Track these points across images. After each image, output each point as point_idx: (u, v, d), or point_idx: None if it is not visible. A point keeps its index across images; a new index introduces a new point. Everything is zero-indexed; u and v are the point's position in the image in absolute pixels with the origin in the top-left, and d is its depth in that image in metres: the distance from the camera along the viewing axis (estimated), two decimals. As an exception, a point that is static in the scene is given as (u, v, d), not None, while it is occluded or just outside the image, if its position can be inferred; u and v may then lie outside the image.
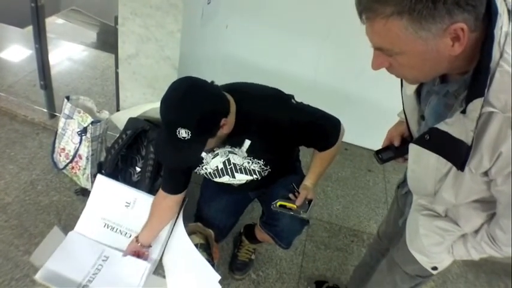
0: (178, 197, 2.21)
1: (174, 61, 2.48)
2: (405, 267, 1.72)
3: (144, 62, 2.54)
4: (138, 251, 2.28)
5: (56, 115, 3.26)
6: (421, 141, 1.22)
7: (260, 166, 2.01)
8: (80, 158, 2.65)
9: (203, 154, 2.00)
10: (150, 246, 2.32)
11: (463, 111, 1.03)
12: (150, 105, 2.56)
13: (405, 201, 1.74)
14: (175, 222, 2.33)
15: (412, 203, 1.56)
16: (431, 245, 1.51)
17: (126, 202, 2.43)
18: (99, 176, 2.49)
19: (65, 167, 2.75)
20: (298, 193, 2.00)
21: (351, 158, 3.75)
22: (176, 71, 2.51)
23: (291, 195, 2.02)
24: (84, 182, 2.72)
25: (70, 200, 2.70)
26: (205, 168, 2.08)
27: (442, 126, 1.12)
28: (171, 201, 2.21)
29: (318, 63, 3.54)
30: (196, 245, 2.17)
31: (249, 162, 1.99)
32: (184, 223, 2.26)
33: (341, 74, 3.54)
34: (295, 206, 1.96)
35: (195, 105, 1.63)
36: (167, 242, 2.36)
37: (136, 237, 2.28)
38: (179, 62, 2.49)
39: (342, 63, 3.47)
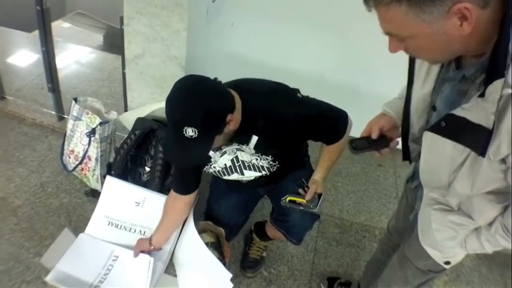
0: (190, 197, 2.19)
1: (180, 60, 2.48)
2: (417, 263, 1.70)
3: (151, 61, 2.54)
4: (148, 251, 2.28)
5: (64, 117, 3.28)
6: (437, 129, 1.20)
7: (268, 162, 1.99)
8: (89, 159, 2.66)
9: (211, 153, 1.99)
10: (160, 249, 2.31)
11: (482, 95, 1.01)
12: (157, 105, 2.55)
13: (415, 196, 1.72)
14: (185, 220, 2.32)
15: (423, 197, 1.53)
16: (444, 240, 1.48)
17: (136, 202, 2.43)
18: (108, 177, 2.49)
19: (74, 169, 2.75)
20: (308, 188, 1.99)
21: (360, 154, 3.72)
22: (183, 69, 2.51)
23: (300, 190, 2.00)
24: (94, 183, 2.73)
25: (80, 202, 2.71)
26: (214, 167, 2.08)
27: (458, 112, 1.10)
28: (182, 201, 2.19)
29: (325, 58, 3.52)
30: (207, 244, 2.16)
31: (257, 159, 1.98)
32: (194, 221, 2.25)
33: (348, 68, 3.52)
34: (305, 201, 1.94)
35: (200, 103, 1.62)
36: (177, 240, 2.35)
37: (150, 238, 2.27)
38: (186, 61, 2.48)
39: (350, 58, 3.46)
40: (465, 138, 1.12)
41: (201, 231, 2.22)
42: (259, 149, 1.93)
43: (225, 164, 2.04)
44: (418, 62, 1.34)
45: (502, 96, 0.97)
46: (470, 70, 1.13)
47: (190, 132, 1.60)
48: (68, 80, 3.91)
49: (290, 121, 1.83)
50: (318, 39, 3.42)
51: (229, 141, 1.93)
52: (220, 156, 2.01)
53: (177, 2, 2.26)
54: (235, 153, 1.98)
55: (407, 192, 1.87)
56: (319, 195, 1.96)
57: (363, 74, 3.47)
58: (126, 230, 2.40)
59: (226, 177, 2.12)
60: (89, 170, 2.70)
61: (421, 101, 1.39)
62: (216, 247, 2.22)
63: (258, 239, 2.56)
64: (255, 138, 1.89)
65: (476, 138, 1.07)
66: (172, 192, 2.19)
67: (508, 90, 0.96)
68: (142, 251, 2.26)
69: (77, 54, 4.50)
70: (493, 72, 0.99)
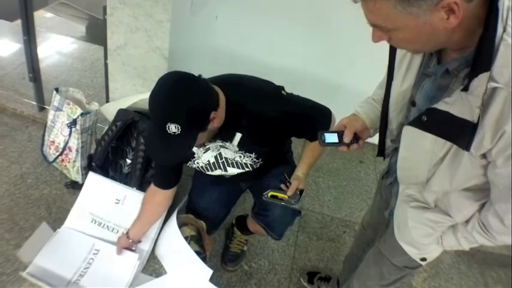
0: (170, 192, 2.18)
1: (163, 51, 2.46)
2: (393, 259, 1.70)
3: (134, 52, 2.52)
4: (129, 247, 2.25)
5: (45, 108, 3.24)
6: (418, 123, 1.20)
7: (252, 159, 2.00)
8: (70, 151, 2.63)
9: (194, 149, 1.99)
10: (139, 241, 2.28)
11: (465, 89, 1.01)
12: (140, 96, 2.53)
13: (390, 192, 1.71)
14: (167, 214, 2.31)
15: (399, 194, 1.53)
16: (421, 237, 1.49)
17: (117, 199, 2.41)
18: (90, 173, 2.47)
19: (54, 160, 2.72)
20: (290, 183, 1.99)
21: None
22: (166, 61, 2.50)
23: (282, 186, 2.01)
24: (74, 175, 2.70)
25: (60, 193, 2.68)
26: (197, 163, 2.07)
27: (441, 106, 1.10)
28: (162, 195, 2.18)
29: (308, 53, 3.53)
30: (187, 237, 2.15)
31: (240, 156, 1.98)
32: (176, 215, 2.24)
33: (331, 64, 3.53)
34: (286, 197, 1.94)
35: (183, 99, 1.61)
36: (158, 235, 2.33)
37: (127, 232, 2.24)
38: (169, 52, 2.47)
39: (332, 53, 3.47)
40: (448, 133, 1.12)
41: (182, 225, 2.20)
42: (242, 146, 1.93)
43: (209, 160, 2.03)
44: (398, 57, 1.34)
45: (487, 90, 0.97)
46: (454, 64, 1.13)
47: (173, 128, 1.59)
48: (49, 70, 3.87)
49: (274, 119, 1.84)
50: (302, 33, 3.43)
51: (213, 138, 1.93)
52: (204, 153, 2.00)
53: (161, -8, 2.24)
54: (218, 150, 1.97)
55: (381, 188, 1.88)
56: (301, 191, 1.97)
57: (346, 70, 3.50)
58: (104, 227, 2.36)
59: (210, 173, 2.12)
60: (69, 161, 2.67)
61: (401, 96, 1.37)
62: (197, 240, 2.21)
63: (239, 232, 2.56)
64: (238, 136, 1.89)
65: (459, 132, 1.07)
66: (152, 185, 2.17)
67: (493, 84, 0.96)
68: (126, 248, 2.23)
69: (58, 44, 4.46)
70: (478, 65, 0.99)
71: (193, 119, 1.63)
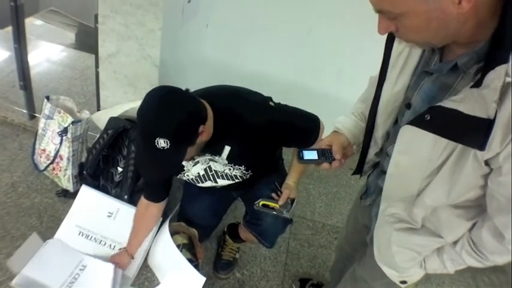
0: (161, 204, 2.23)
1: (155, 59, 2.47)
2: (372, 282, 1.65)
3: (125, 60, 2.52)
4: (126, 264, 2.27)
5: (35, 116, 3.22)
6: (420, 122, 1.09)
7: (241, 171, 2.00)
8: (61, 159, 2.62)
9: (183, 162, 1.99)
10: (133, 257, 2.30)
11: (477, 84, 0.94)
12: (131, 104, 2.53)
13: (369, 215, 1.61)
14: (160, 224, 2.32)
15: (380, 213, 1.42)
16: (404, 261, 1.43)
17: (109, 212, 2.42)
18: (83, 186, 2.47)
19: (45, 168, 2.71)
20: (281, 192, 2.00)
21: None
22: (157, 69, 2.50)
23: (273, 195, 2.02)
24: (65, 183, 2.69)
25: (51, 202, 2.67)
26: (187, 175, 2.08)
27: (447, 103, 1.01)
28: (154, 209, 2.22)
29: (297, 63, 3.53)
30: (179, 245, 2.16)
31: (230, 169, 1.99)
32: (168, 224, 2.25)
33: (321, 74, 3.54)
34: (277, 206, 1.96)
35: (171, 114, 1.61)
36: (151, 244, 2.33)
37: (126, 250, 2.26)
38: (160, 61, 2.47)
39: (322, 63, 3.47)
40: (455, 133, 1.02)
41: (174, 233, 2.21)
42: (232, 159, 1.94)
43: (198, 173, 2.04)
44: (393, 56, 1.27)
45: (503, 86, 0.89)
46: (463, 59, 1.04)
47: (162, 143, 1.59)
48: (40, 77, 3.85)
49: (262, 129, 1.84)
50: (292, 43, 3.43)
51: (202, 152, 1.93)
52: (193, 166, 2.01)
53: (153, 1, 2.25)
54: (208, 163, 1.98)
55: (358, 210, 1.79)
56: (292, 200, 1.98)
57: (335, 80, 3.51)
58: (96, 241, 2.36)
59: (200, 185, 2.12)
60: (60, 170, 2.66)
61: (393, 99, 1.30)
62: (189, 248, 2.22)
63: (231, 240, 2.55)
64: (227, 149, 1.90)
65: (469, 132, 0.98)
66: (143, 199, 2.20)
67: (508, 79, 0.89)
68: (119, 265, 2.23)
69: (48, 52, 4.43)
70: (494, 57, 0.92)
71: (182, 134, 1.64)
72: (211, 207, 2.33)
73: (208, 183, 2.09)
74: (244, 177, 2.04)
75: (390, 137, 1.39)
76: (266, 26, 3.38)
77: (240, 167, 1.98)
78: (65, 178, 2.67)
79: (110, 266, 2.17)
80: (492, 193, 1.06)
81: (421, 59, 1.22)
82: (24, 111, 3.25)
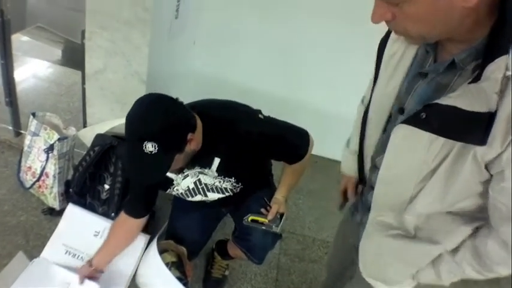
0: (140, 222, 2.16)
1: (142, 76, 2.45)
2: None
3: (112, 77, 2.50)
4: (90, 275, 2.15)
5: (21, 133, 3.19)
6: (415, 121, 1.03)
7: (232, 184, 1.98)
8: (47, 177, 2.59)
9: (173, 176, 1.97)
10: (102, 271, 2.19)
11: (475, 80, 0.91)
12: (118, 121, 2.51)
13: (357, 235, 1.48)
14: (148, 242, 2.29)
15: (368, 223, 1.34)
16: (395, 274, 1.35)
17: (96, 231, 2.39)
18: (70, 205, 2.45)
19: (31, 186, 2.68)
20: (270, 207, 1.98)
21: (321, 171, 3.74)
22: (144, 85, 2.49)
23: (262, 210, 2.01)
24: (51, 201, 2.66)
25: (37, 220, 2.63)
26: (177, 190, 2.05)
27: (444, 100, 0.96)
28: (132, 225, 2.15)
29: (285, 78, 3.54)
30: (168, 264, 2.13)
31: (220, 182, 1.97)
32: (156, 241, 2.21)
33: (309, 88, 3.55)
34: (266, 221, 1.94)
35: (159, 118, 1.60)
36: (139, 263, 2.29)
37: (90, 260, 2.15)
38: (147, 77, 2.46)
39: (310, 77, 3.49)
40: (453, 130, 0.97)
41: (162, 251, 2.18)
42: (221, 171, 1.92)
43: (188, 187, 2.02)
44: (385, 60, 1.25)
45: (503, 78, 0.87)
46: (461, 55, 1.00)
47: (150, 147, 1.57)
48: (26, 94, 3.82)
49: (252, 142, 1.83)
50: (279, 58, 3.45)
51: (191, 165, 1.91)
52: (183, 179, 1.98)
53: (140, 17, 2.25)
54: (197, 176, 1.96)
55: (348, 228, 1.70)
56: (281, 215, 1.97)
57: (324, 93, 3.52)
58: (83, 260, 2.31)
59: (190, 199, 2.10)
60: (46, 188, 2.63)
61: (384, 99, 1.26)
62: (178, 266, 2.18)
63: (220, 257, 2.53)
64: (217, 161, 1.88)
65: (468, 127, 0.93)
66: (122, 214, 2.13)
67: (508, 73, 0.86)
68: (89, 277, 2.13)
69: (35, 68, 4.42)
70: (493, 49, 0.90)
71: (170, 139, 1.62)
72: (200, 224, 2.31)
73: (198, 197, 2.07)
74: (235, 190, 2.02)
75: (379, 147, 1.34)
76: (254, 41, 3.39)
77: (230, 179, 1.96)
78: (51, 196, 2.64)
79: (95, 286, 2.12)
80: (494, 203, 1.01)
81: (413, 62, 1.18)
82: (10, 127, 3.21)
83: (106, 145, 2.44)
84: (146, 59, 2.39)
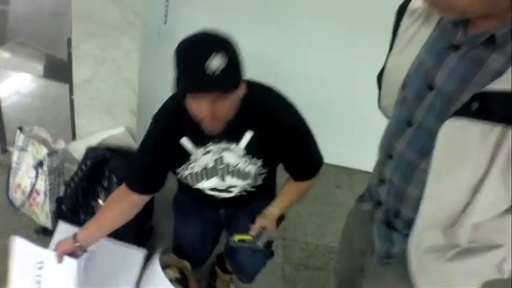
0: (142, 199, 1.86)
1: (132, 83, 2.38)
2: None
3: (101, 85, 2.42)
4: (73, 251, 1.82)
5: (8, 150, 3.12)
6: (468, 113, 0.93)
7: (257, 167, 1.80)
8: (38, 194, 2.51)
9: (193, 148, 1.76)
10: (85, 250, 1.85)
11: None
12: (109, 132, 2.46)
13: (366, 237, 1.41)
14: (149, 257, 2.17)
15: (413, 249, 1.18)
16: (462, 285, 1.20)
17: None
18: (61, 222, 2.24)
19: (22, 205, 2.60)
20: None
21: (320, 176, 3.66)
22: (135, 93, 2.40)
23: (251, 225, 1.87)
24: (43, 220, 2.57)
25: (30, 241, 2.52)
26: (191, 167, 1.82)
27: (496, 86, 0.88)
28: (131, 201, 1.84)
29: (280, 84, 3.48)
30: (172, 280, 2.03)
31: (245, 162, 1.79)
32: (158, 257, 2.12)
33: (306, 93, 3.50)
34: (251, 238, 1.83)
35: (226, 39, 1.49)
36: (140, 281, 2.18)
37: (74, 235, 1.80)
38: (138, 84, 2.38)
39: (306, 83, 3.43)
40: None
41: (165, 267, 2.08)
42: (250, 149, 1.75)
43: (206, 165, 1.80)
44: (400, 32, 1.20)
45: None
46: (502, 30, 0.91)
47: (217, 60, 1.38)
48: (10, 110, 3.72)
49: (286, 127, 1.71)
50: (272, 63, 3.39)
51: (218, 139, 1.73)
52: (203, 155, 1.77)
53: (129, 21, 2.17)
54: (220, 153, 1.76)
55: (354, 231, 1.64)
56: (265, 229, 1.84)
57: (320, 96, 3.47)
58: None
59: (201, 185, 1.88)
60: (37, 206, 2.54)
61: (396, 71, 1.21)
62: (181, 281, 2.11)
63: (220, 271, 2.42)
64: (248, 135, 1.71)
65: None
66: (123, 187, 1.84)
67: None
68: (68, 254, 1.81)
69: (18, 83, 4.36)
70: None
71: (235, 59, 1.50)
72: (203, 236, 2.19)
73: (213, 181, 1.86)
74: (256, 181, 1.87)
75: (394, 131, 1.22)
76: (245, 46, 3.32)
77: (257, 161, 1.79)
78: (43, 214, 2.54)
79: (73, 262, 1.81)
80: None
81: (433, 37, 1.12)
82: (-4, 145, 3.12)
83: (98, 158, 2.35)
84: (136, 64, 2.31)
